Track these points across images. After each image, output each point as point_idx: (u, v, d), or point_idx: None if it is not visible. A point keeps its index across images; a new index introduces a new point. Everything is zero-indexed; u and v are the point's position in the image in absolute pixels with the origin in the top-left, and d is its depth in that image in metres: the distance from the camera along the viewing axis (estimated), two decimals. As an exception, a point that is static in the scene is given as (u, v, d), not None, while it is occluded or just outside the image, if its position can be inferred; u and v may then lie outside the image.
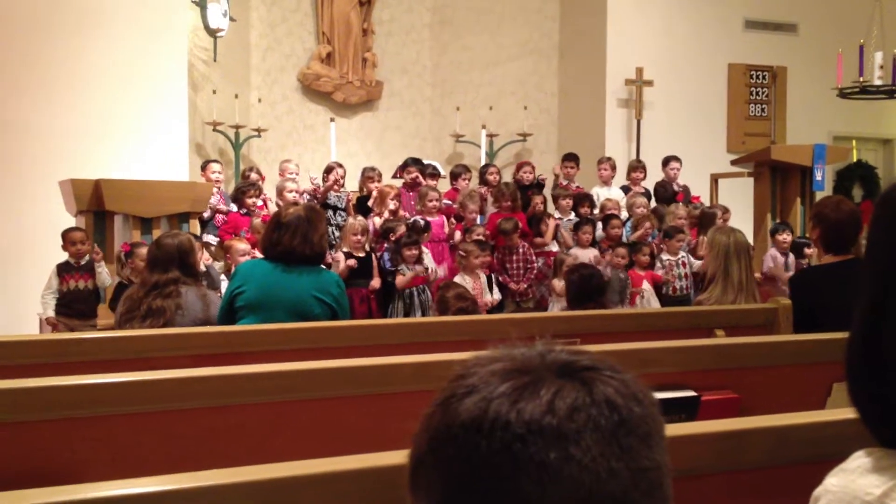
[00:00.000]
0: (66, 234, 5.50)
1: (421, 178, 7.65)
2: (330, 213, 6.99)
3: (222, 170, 7.59)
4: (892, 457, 0.93)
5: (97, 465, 1.89)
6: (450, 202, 7.33)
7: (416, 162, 7.93)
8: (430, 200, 6.86)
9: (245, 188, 6.99)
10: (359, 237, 6.07)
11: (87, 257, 5.52)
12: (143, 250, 5.28)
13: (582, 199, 7.55)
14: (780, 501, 1.21)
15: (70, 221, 5.93)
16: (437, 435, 0.73)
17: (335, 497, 1.30)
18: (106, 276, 5.53)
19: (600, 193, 7.99)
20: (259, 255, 4.38)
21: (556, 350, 0.77)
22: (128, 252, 5.36)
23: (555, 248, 7.00)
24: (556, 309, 6.21)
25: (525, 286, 6.61)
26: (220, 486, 1.25)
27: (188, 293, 3.67)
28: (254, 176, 7.55)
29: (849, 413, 1.69)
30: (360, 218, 6.47)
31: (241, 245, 5.90)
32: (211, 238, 6.67)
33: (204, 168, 7.32)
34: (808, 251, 6.68)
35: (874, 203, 1.06)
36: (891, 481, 0.90)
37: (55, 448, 1.91)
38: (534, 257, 6.73)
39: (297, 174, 7.55)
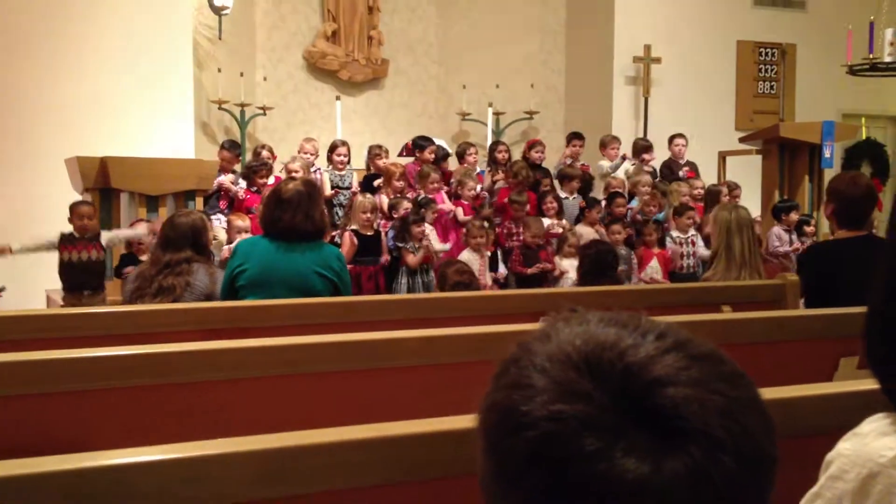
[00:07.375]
0: (73, 207, 5.37)
1: (434, 156, 7.51)
2: (333, 193, 6.95)
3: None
4: None
5: (107, 438, 1.90)
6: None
7: (425, 140, 7.75)
8: (431, 182, 6.80)
9: (257, 167, 6.89)
10: (368, 215, 6.02)
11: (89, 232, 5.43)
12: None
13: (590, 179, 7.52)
14: (787, 474, 1.20)
15: (77, 199, 5.91)
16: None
17: (340, 465, 1.31)
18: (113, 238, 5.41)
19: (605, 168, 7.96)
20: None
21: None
22: None
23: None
24: (564, 285, 6.20)
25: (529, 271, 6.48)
26: (225, 455, 1.26)
27: (199, 270, 3.68)
28: (265, 154, 7.32)
29: (856, 385, 1.69)
30: (368, 196, 6.38)
31: (240, 222, 5.91)
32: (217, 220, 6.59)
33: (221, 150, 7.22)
34: (807, 228, 6.66)
35: None
36: None
37: (65, 421, 1.93)
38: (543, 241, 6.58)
39: (312, 154, 7.35)
